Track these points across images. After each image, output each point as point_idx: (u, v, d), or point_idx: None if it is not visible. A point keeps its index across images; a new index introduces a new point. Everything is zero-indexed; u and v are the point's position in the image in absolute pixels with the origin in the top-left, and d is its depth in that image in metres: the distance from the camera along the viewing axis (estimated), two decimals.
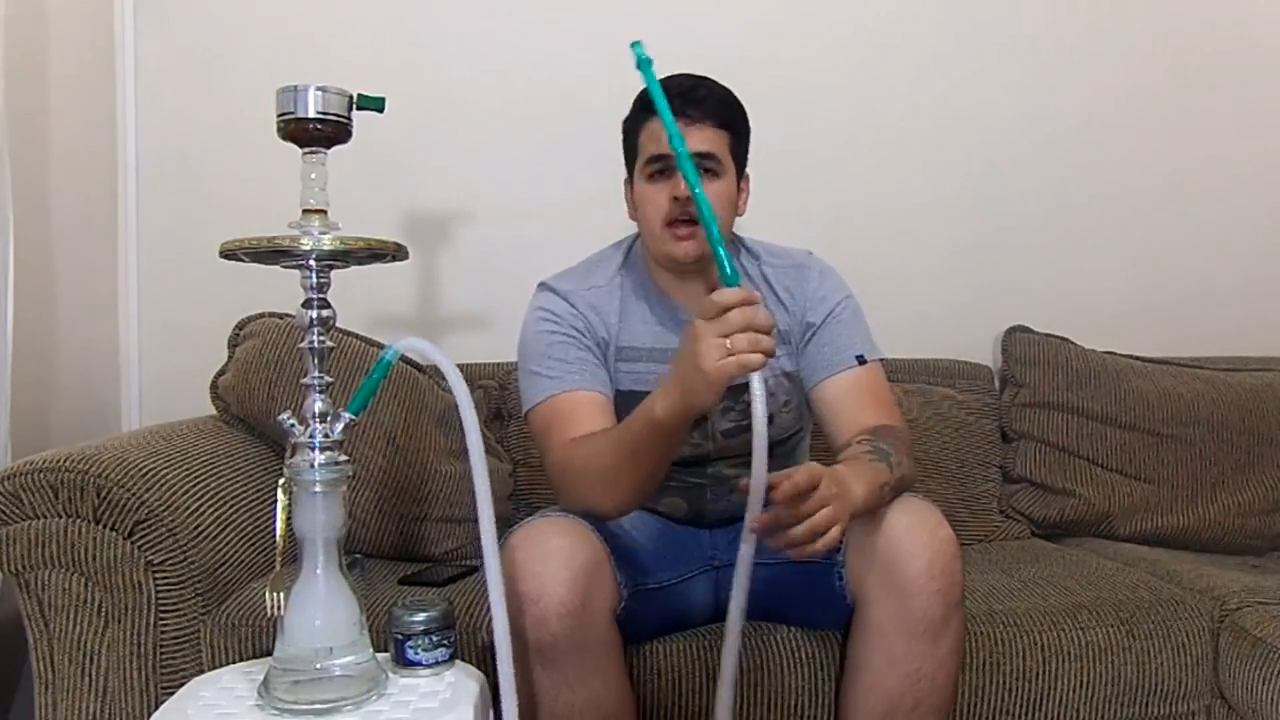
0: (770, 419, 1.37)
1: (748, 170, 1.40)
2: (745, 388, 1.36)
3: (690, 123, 1.28)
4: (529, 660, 1.14)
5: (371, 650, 1.04)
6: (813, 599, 1.31)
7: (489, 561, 1.02)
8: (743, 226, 1.58)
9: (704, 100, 1.31)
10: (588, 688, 1.15)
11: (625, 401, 1.29)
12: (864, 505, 1.14)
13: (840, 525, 1.07)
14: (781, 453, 1.43)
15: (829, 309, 1.39)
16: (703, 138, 1.29)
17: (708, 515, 1.43)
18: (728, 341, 1.02)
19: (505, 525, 1.69)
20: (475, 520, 1.79)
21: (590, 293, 1.40)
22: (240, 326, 1.73)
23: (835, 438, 1.34)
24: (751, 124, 1.40)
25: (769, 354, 1.03)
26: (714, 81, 1.35)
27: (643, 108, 1.35)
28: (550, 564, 1.14)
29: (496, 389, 1.87)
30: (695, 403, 1.09)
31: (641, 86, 1.28)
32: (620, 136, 1.41)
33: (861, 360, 1.37)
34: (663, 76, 1.29)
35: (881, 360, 1.41)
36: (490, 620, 1.33)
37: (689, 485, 1.42)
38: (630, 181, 1.40)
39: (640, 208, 1.35)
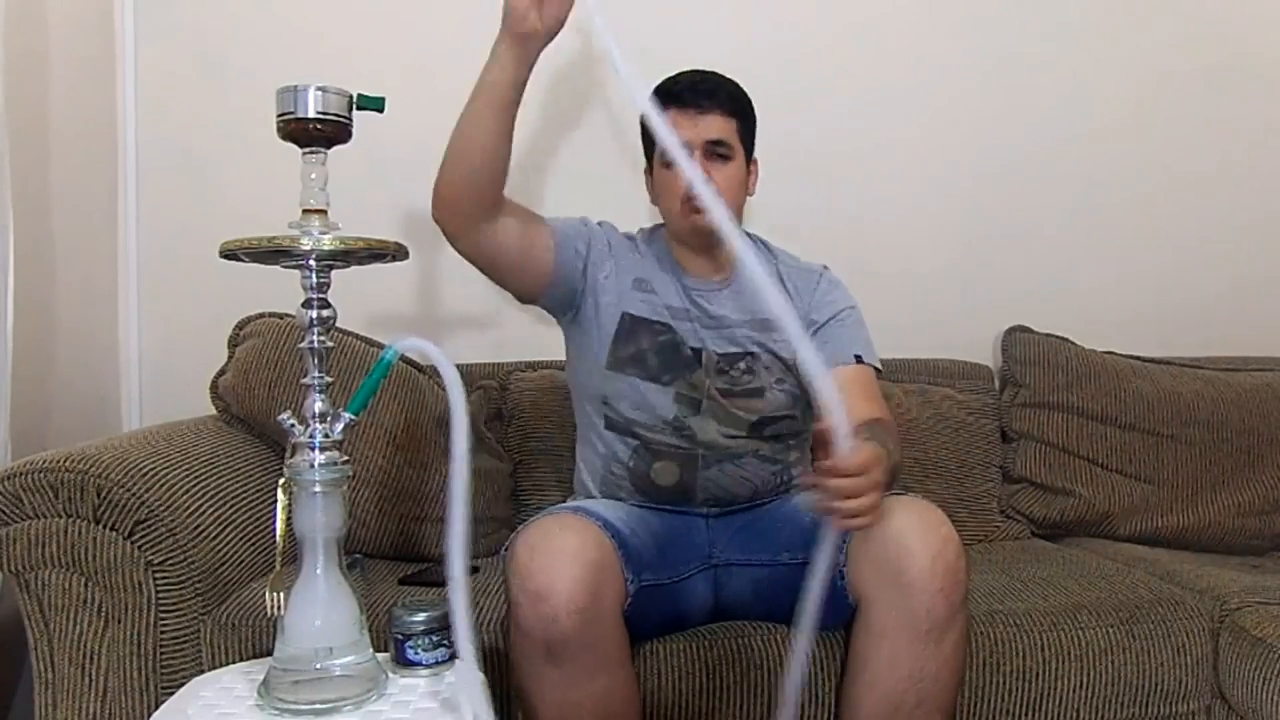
0: (761, 392, 1.45)
1: (756, 156, 1.51)
2: (742, 356, 1.45)
3: (702, 112, 1.41)
4: (538, 657, 1.14)
5: (371, 650, 1.04)
6: None
7: (454, 559, 0.94)
8: (749, 226, 1.60)
9: (714, 91, 1.43)
10: (596, 684, 1.16)
11: (636, 326, 1.44)
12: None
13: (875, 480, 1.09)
14: (774, 431, 1.46)
15: (834, 311, 1.48)
16: (714, 125, 1.42)
17: (699, 487, 1.44)
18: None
19: (505, 526, 1.71)
20: (475, 520, 1.80)
21: (622, 241, 1.53)
22: (240, 326, 1.73)
23: None
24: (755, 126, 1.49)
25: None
26: (721, 75, 1.46)
27: (659, 102, 1.41)
28: (559, 561, 1.14)
29: (496, 389, 1.87)
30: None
31: (657, 82, 1.45)
32: (638, 130, 1.53)
33: (860, 360, 1.43)
34: (673, 73, 1.45)
35: (878, 370, 1.49)
36: (490, 620, 1.35)
37: (682, 450, 1.43)
38: (650, 170, 1.52)
39: (661, 192, 1.47)
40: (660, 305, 1.46)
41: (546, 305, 1.49)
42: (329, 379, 1.04)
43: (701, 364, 1.44)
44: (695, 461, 1.44)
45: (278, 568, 1.05)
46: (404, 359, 1.62)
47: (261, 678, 1.02)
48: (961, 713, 1.38)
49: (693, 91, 1.41)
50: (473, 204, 1.34)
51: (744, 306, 1.48)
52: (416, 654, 1.08)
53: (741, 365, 1.45)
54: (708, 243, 1.45)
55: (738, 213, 1.48)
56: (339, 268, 1.04)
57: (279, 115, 1.01)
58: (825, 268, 1.56)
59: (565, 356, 1.57)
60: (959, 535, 1.23)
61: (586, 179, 1.98)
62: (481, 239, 1.37)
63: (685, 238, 1.47)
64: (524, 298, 1.49)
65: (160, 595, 1.30)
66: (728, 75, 1.48)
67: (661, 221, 1.55)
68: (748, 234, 1.54)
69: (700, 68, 1.47)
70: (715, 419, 1.43)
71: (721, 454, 1.43)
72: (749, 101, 1.48)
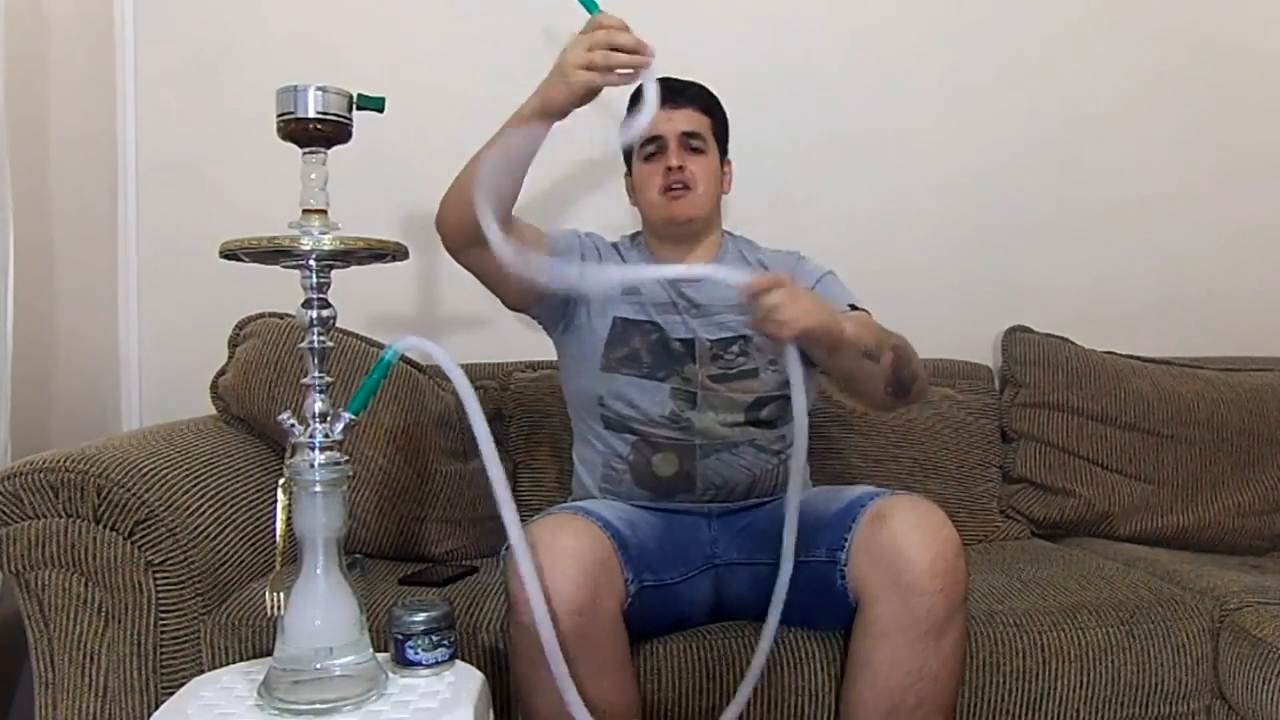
0: (755, 373, 1.47)
1: (731, 158, 1.58)
2: (735, 340, 1.48)
3: (677, 106, 1.48)
4: (537, 658, 1.14)
5: (371, 650, 1.04)
6: (815, 598, 1.32)
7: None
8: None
9: (685, 90, 1.52)
10: (596, 685, 1.15)
11: (627, 329, 1.47)
12: (847, 330, 1.25)
13: (794, 307, 1.16)
14: (772, 411, 1.47)
15: (819, 276, 1.54)
16: (688, 119, 1.50)
17: (699, 475, 1.44)
18: (590, 54, 1.17)
19: (502, 526, 1.71)
20: (475, 520, 1.81)
21: (609, 248, 1.59)
22: (240, 326, 1.73)
23: None
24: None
25: (622, 67, 1.18)
26: (695, 81, 1.55)
27: (633, 105, 1.47)
28: (559, 561, 1.14)
29: (496, 389, 1.87)
30: (549, 96, 1.24)
31: (632, 88, 1.47)
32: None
33: (854, 308, 1.47)
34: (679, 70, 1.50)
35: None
36: (490, 620, 1.35)
37: (680, 443, 1.44)
38: (629, 173, 1.57)
39: (640, 185, 1.53)
40: (648, 304, 1.49)
41: (536, 316, 1.54)
42: (329, 379, 1.04)
43: (694, 355, 1.46)
44: (694, 452, 1.44)
45: (278, 568, 1.05)
46: (404, 359, 1.62)
47: (261, 678, 1.02)
48: (961, 713, 1.38)
49: (667, 89, 1.47)
50: (477, 234, 1.34)
51: (727, 293, 1.49)
52: (416, 654, 1.08)
53: (735, 349, 1.48)
54: (685, 233, 1.52)
55: (714, 206, 1.54)
56: (339, 268, 1.04)
57: (279, 115, 1.01)
58: (800, 254, 1.60)
59: (559, 367, 1.59)
60: (959, 535, 1.23)
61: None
62: (479, 257, 1.38)
63: (664, 229, 1.52)
64: (514, 307, 1.53)
65: (160, 595, 1.30)
66: (727, 83, 1.57)
67: (639, 229, 1.61)
68: (726, 232, 1.60)
69: (697, 71, 1.54)
70: (712, 408, 1.45)
71: (719, 444, 1.44)
72: (720, 103, 1.55)
